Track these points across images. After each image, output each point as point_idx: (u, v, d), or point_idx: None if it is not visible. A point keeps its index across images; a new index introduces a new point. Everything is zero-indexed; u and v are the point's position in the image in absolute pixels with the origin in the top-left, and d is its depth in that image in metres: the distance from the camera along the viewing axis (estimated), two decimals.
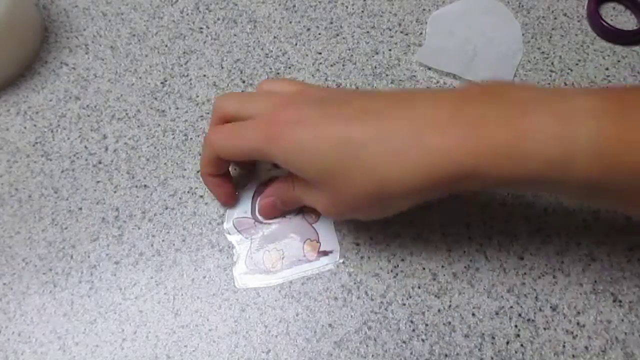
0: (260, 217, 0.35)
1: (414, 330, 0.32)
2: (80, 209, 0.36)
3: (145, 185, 0.37)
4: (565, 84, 0.40)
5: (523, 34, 0.42)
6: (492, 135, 0.25)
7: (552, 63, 0.41)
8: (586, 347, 0.31)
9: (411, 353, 0.31)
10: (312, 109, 0.29)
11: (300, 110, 0.29)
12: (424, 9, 0.44)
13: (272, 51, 0.42)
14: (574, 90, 0.26)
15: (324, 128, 0.28)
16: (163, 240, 0.35)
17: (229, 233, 0.35)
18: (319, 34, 0.43)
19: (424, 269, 0.34)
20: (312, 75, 0.41)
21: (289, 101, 0.30)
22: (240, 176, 0.37)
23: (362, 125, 0.27)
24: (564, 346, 0.31)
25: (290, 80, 0.36)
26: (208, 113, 0.39)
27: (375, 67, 0.41)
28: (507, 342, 0.32)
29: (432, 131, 0.26)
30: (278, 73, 0.41)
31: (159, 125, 0.39)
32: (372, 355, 0.31)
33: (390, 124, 0.27)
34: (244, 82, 0.41)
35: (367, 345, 0.32)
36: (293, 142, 0.28)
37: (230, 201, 0.35)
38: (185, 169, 0.37)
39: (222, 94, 0.39)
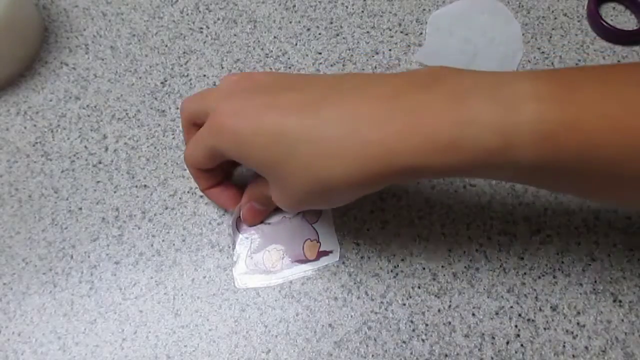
0: (246, 226, 0.35)
1: (414, 330, 0.32)
2: (80, 209, 0.36)
3: (145, 185, 0.37)
4: None
5: (523, 34, 0.42)
6: (430, 125, 0.24)
7: (552, 63, 0.41)
8: (586, 347, 0.31)
9: (411, 353, 0.31)
10: (250, 98, 0.28)
11: (239, 100, 0.28)
12: (424, 9, 0.44)
13: (272, 51, 0.42)
14: (518, 74, 0.26)
15: (260, 120, 0.27)
16: (163, 240, 0.35)
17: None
18: (319, 34, 0.43)
19: (424, 269, 0.34)
20: None
21: (230, 92, 0.29)
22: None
23: (298, 118, 0.26)
24: (564, 346, 0.31)
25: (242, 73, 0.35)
26: None
27: (375, 67, 0.41)
28: (507, 342, 0.32)
29: (368, 125, 0.25)
30: None
31: (159, 125, 0.39)
32: (372, 355, 0.31)
33: (327, 117, 0.26)
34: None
35: (367, 345, 0.32)
36: (234, 135, 0.27)
37: (235, 206, 0.34)
38: (185, 169, 0.37)
39: (186, 97, 0.38)
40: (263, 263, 0.34)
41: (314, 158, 0.26)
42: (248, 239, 0.34)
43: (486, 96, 0.24)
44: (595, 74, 0.25)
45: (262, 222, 0.35)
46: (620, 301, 0.33)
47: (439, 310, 0.32)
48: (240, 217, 0.34)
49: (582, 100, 0.24)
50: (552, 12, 0.44)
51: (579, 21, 0.43)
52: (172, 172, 0.37)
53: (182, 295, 0.33)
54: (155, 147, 0.38)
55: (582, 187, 0.27)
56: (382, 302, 0.33)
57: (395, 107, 0.25)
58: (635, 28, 0.42)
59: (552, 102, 0.24)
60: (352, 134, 0.25)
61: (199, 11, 0.44)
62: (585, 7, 0.44)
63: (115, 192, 0.36)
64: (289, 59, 0.41)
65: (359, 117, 0.25)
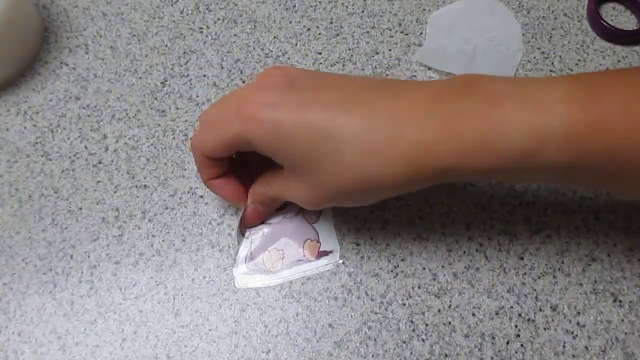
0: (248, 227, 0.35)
1: (414, 330, 0.32)
2: (80, 209, 0.36)
3: (145, 185, 0.37)
4: None
5: (523, 34, 0.42)
6: (466, 128, 0.25)
7: (552, 63, 0.41)
8: (586, 347, 0.31)
9: (411, 353, 0.31)
10: (288, 92, 0.28)
11: (276, 93, 0.28)
12: (424, 9, 0.44)
13: (272, 51, 0.42)
14: (548, 80, 0.27)
15: (303, 114, 0.27)
16: (163, 240, 0.35)
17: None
18: (319, 34, 0.43)
19: (424, 269, 0.34)
20: None
21: (263, 83, 0.29)
22: None
23: (344, 116, 0.27)
24: (564, 346, 0.31)
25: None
26: None
27: (376, 67, 0.41)
28: (507, 342, 0.31)
29: (411, 127, 0.26)
30: None
31: (159, 125, 0.39)
32: (372, 355, 0.31)
33: (372, 117, 0.27)
34: (244, 82, 0.41)
35: (367, 345, 0.32)
36: (271, 125, 0.27)
37: (239, 200, 0.33)
38: (185, 169, 0.37)
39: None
40: (263, 263, 0.34)
41: (360, 157, 0.26)
42: (248, 239, 0.34)
43: (519, 100, 0.26)
44: (620, 75, 0.27)
45: (262, 222, 0.35)
46: (620, 301, 0.32)
47: (439, 310, 0.32)
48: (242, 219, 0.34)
49: (608, 102, 0.25)
50: (552, 12, 0.43)
51: (579, 21, 0.43)
52: (172, 172, 0.37)
53: (182, 295, 0.33)
54: (155, 147, 0.38)
55: (614, 186, 0.28)
56: (382, 302, 0.33)
57: (433, 111, 0.26)
58: (635, 28, 0.42)
59: (580, 104, 0.25)
60: (397, 135, 0.26)
61: (199, 11, 0.44)
62: (586, 7, 0.44)
63: (115, 192, 0.36)
64: (289, 59, 0.41)
65: (402, 119, 0.26)
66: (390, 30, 0.43)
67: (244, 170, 0.34)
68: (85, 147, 0.38)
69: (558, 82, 0.26)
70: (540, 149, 0.25)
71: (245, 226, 0.35)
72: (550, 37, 0.42)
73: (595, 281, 0.33)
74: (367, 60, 0.41)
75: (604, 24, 0.42)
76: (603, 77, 0.27)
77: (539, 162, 0.25)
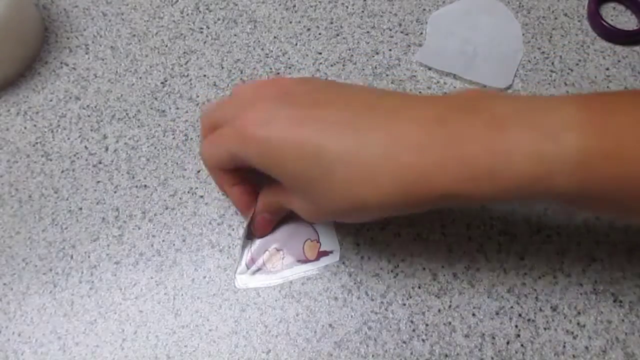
0: (257, 237, 0.35)
1: (414, 330, 0.32)
2: (81, 209, 0.36)
3: (145, 185, 0.37)
4: (566, 84, 0.40)
5: (523, 34, 0.42)
6: (469, 154, 0.24)
7: (552, 63, 0.41)
8: (586, 347, 0.31)
9: (411, 353, 0.31)
10: (281, 106, 0.27)
11: (269, 108, 0.27)
12: (424, 9, 0.44)
13: (272, 51, 0.42)
14: (556, 100, 0.26)
15: (295, 133, 0.26)
16: (163, 241, 0.35)
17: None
18: (319, 34, 0.43)
19: (424, 269, 0.34)
20: (312, 76, 0.41)
21: (257, 97, 0.29)
22: None
23: (337, 137, 0.26)
24: (564, 346, 0.31)
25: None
26: None
27: (375, 67, 0.41)
28: (508, 342, 0.31)
29: (407, 150, 0.25)
30: (278, 73, 0.41)
31: (159, 125, 0.39)
32: (372, 355, 0.31)
33: (366, 139, 0.25)
34: (244, 82, 0.40)
35: (367, 346, 0.32)
36: (264, 144, 0.27)
37: (250, 211, 0.33)
38: (185, 169, 0.37)
39: (204, 106, 0.39)
40: (263, 263, 0.34)
41: (351, 180, 0.26)
42: (249, 240, 0.34)
43: (525, 124, 0.24)
44: (630, 98, 0.25)
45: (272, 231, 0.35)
46: (620, 301, 0.32)
47: (439, 311, 0.32)
48: (251, 224, 0.34)
49: (623, 128, 0.24)
50: (553, 12, 0.43)
51: (579, 21, 0.43)
52: (172, 172, 0.37)
53: (182, 295, 0.33)
54: (155, 147, 0.38)
55: (624, 213, 0.27)
56: (382, 302, 0.33)
57: (434, 133, 0.25)
58: (635, 28, 0.42)
59: (593, 131, 0.24)
60: (392, 159, 0.25)
61: (199, 11, 0.44)
62: (586, 7, 0.44)
63: (115, 192, 0.36)
64: (289, 59, 0.41)
65: (398, 142, 0.25)
66: (391, 30, 0.43)
67: (256, 177, 0.33)
68: (85, 147, 0.38)
69: (568, 103, 0.25)
70: (547, 177, 0.24)
71: (257, 236, 0.34)
72: (550, 37, 0.42)
73: (596, 281, 0.33)
74: (367, 60, 0.41)
75: (604, 24, 0.42)
76: (617, 100, 0.25)
77: (545, 190, 0.24)
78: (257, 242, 0.34)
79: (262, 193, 0.33)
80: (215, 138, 0.30)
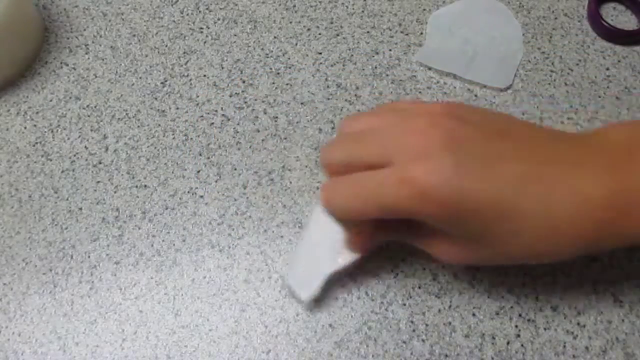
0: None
1: (414, 330, 0.32)
2: (81, 209, 0.36)
3: (145, 185, 0.37)
4: (566, 84, 0.40)
5: (523, 34, 0.42)
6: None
7: (553, 63, 0.41)
8: (587, 348, 0.31)
9: (411, 353, 0.31)
10: (463, 163, 0.25)
11: (446, 158, 0.25)
12: (424, 9, 0.44)
13: (272, 51, 0.42)
14: None
15: (484, 187, 0.25)
16: (163, 241, 0.35)
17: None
18: (319, 34, 0.43)
19: (424, 269, 0.34)
20: (313, 76, 0.41)
21: (421, 143, 0.26)
22: None
23: (524, 193, 0.25)
24: (564, 346, 0.31)
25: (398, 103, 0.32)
26: (208, 113, 0.39)
27: (376, 67, 0.41)
28: (508, 342, 0.31)
29: (592, 208, 0.25)
30: (278, 73, 0.41)
31: (159, 125, 0.39)
32: (373, 356, 0.31)
33: (551, 196, 0.25)
34: (244, 82, 0.40)
35: (367, 346, 0.31)
36: (453, 204, 0.25)
37: (363, 253, 0.31)
38: (185, 169, 0.37)
39: (327, 142, 0.31)
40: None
41: (538, 239, 0.26)
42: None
43: None
44: None
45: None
46: (620, 301, 0.32)
47: (439, 311, 0.32)
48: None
49: None
50: (553, 12, 0.43)
51: (579, 21, 0.43)
52: (172, 172, 0.37)
53: (182, 295, 0.33)
54: (155, 147, 0.38)
55: None
56: (382, 302, 0.33)
57: (619, 193, 0.26)
58: (635, 28, 0.42)
59: None
60: (576, 217, 0.25)
61: (199, 11, 0.44)
62: (586, 7, 0.44)
63: (115, 192, 0.36)
64: (289, 59, 0.41)
65: (583, 199, 0.26)
66: (391, 30, 0.43)
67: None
68: (85, 147, 0.38)
69: None
70: None
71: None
72: (550, 37, 0.42)
73: (596, 281, 0.33)
74: (367, 60, 0.41)
75: (604, 24, 0.42)
76: None
77: None
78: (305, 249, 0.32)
79: (378, 232, 0.31)
80: (357, 185, 0.27)
